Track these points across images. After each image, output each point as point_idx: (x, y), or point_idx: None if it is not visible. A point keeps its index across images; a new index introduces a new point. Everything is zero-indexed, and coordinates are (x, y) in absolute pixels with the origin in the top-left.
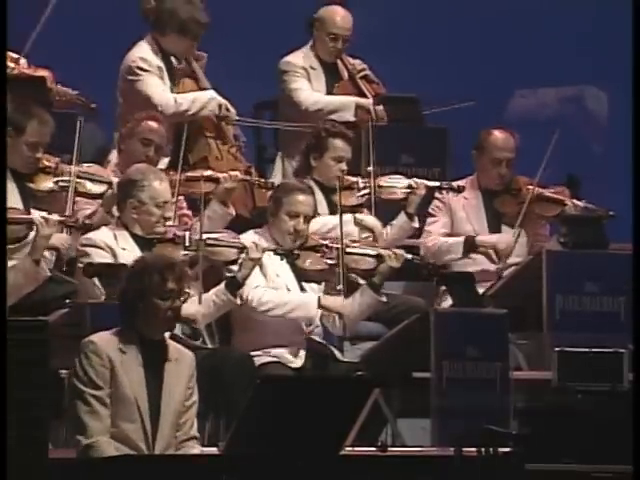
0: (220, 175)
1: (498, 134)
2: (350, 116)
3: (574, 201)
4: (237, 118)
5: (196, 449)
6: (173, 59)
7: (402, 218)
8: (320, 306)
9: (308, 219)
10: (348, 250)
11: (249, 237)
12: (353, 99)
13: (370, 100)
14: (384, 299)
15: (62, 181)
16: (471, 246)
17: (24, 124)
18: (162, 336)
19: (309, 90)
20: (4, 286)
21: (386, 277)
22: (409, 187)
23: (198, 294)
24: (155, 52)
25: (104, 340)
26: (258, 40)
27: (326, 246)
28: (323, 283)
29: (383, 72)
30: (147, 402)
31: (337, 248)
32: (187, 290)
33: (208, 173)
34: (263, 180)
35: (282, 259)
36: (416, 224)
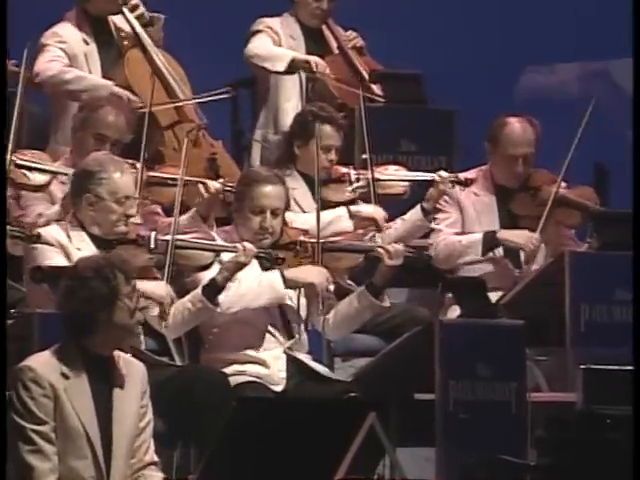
0: (192, 181)
1: (514, 125)
2: (282, 67)
3: (598, 208)
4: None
5: (157, 478)
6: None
7: (417, 214)
8: (287, 282)
9: (277, 213)
10: (327, 246)
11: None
12: (292, 53)
13: (316, 58)
14: (387, 304)
15: None
16: (492, 243)
17: None
18: (112, 351)
19: (263, 42)
20: (4, 288)
21: (387, 278)
22: (431, 180)
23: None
24: (80, 25)
25: (44, 364)
26: (236, 10)
27: (300, 243)
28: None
29: (380, 46)
30: (98, 432)
31: (313, 244)
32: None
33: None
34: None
35: (263, 263)
36: (432, 223)
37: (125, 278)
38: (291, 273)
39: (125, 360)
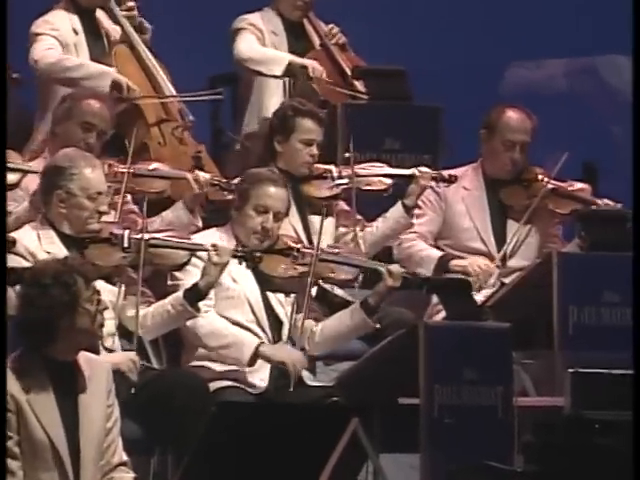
0: (180, 174)
1: (513, 113)
2: (279, 72)
3: (596, 200)
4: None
5: (127, 479)
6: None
7: (398, 211)
8: (256, 353)
9: (279, 217)
10: (324, 257)
11: (210, 236)
12: (289, 56)
13: (313, 62)
14: (377, 325)
15: None
16: (444, 267)
17: None
18: (75, 355)
19: (252, 43)
20: (4, 290)
21: (383, 298)
22: (411, 175)
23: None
24: (71, 11)
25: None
26: (215, 6)
27: (298, 250)
28: (293, 296)
29: (363, 40)
30: (65, 442)
31: (311, 254)
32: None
33: (154, 166)
34: (224, 180)
35: (241, 262)
36: (413, 219)
37: (85, 282)
38: (268, 349)
39: (87, 359)
